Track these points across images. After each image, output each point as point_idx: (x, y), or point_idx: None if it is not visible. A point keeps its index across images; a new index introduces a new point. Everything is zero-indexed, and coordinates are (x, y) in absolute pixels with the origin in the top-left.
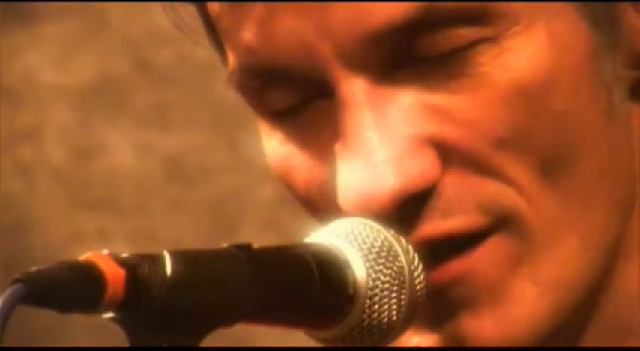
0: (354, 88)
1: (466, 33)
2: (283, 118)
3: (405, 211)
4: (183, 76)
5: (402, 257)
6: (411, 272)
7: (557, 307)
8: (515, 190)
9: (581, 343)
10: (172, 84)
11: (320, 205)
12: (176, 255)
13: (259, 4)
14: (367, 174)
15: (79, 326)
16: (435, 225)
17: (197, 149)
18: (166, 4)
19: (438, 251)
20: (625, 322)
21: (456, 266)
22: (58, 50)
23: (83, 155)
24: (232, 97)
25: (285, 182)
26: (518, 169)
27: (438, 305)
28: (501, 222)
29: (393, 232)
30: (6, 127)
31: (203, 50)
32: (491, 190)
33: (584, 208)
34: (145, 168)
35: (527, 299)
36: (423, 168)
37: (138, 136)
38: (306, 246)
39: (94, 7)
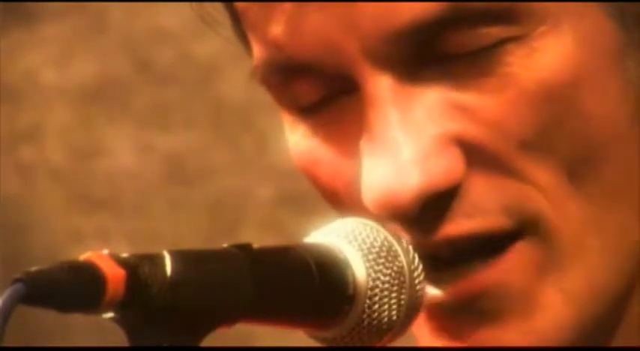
0: (380, 85)
1: (493, 31)
2: (307, 112)
3: (428, 210)
4: (183, 76)
5: (402, 257)
6: (411, 272)
7: (584, 315)
8: (540, 193)
9: (612, 344)
10: (172, 84)
11: (344, 200)
12: (176, 255)
13: (287, 0)
14: (392, 172)
15: (79, 326)
16: (458, 225)
17: (197, 149)
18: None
19: (462, 251)
20: None
21: (482, 278)
22: (58, 50)
23: (83, 155)
24: (232, 97)
25: (309, 175)
26: (543, 172)
27: (463, 316)
28: (526, 225)
29: (393, 231)
30: (6, 127)
31: (203, 50)
32: (516, 192)
33: (610, 211)
34: (145, 168)
35: (554, 309)
36: (447, 167)
37: (138, 136)
38: (306, 246)
39: (94, 7)
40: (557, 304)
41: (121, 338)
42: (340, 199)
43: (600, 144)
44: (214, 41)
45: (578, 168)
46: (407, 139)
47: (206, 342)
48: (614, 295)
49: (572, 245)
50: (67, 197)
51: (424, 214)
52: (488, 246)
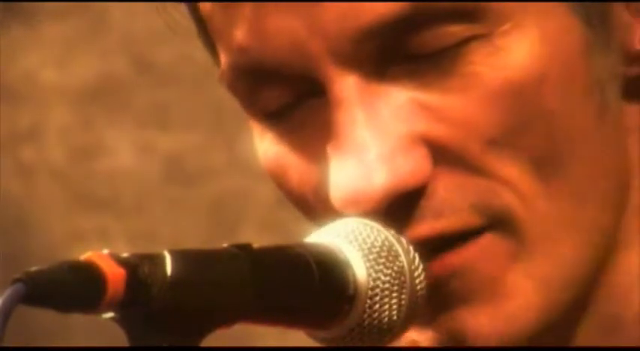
0: (346, 85)
1: (457, 30)
2: (275, 118)
3: (396, 210)
4: (183, 76)
5: (402, 257)
6: (412, 272)
7: (553, 302)
8: (508, 190)
9: (575, 335)
10: (172, 84)
11: (314, 205)
12: (176, 255)
13: (250, 3)
14: (358, 171)
15: (79, 326)
16: (427, 225)
17: (197, 149)
18: (158, 4)
19: (433, 248)
20: (617, 311)
21: (452, 260)
22: (58, 50)
23: (83, 155)
24: (232, 98)
25: (278, 183)
26: (510, 169)
27: (433, 300)
28: (495, 222)
29: (393, 232)
30: (6, 127)
31: (203, 50)
32: (484, 189)
33: (578, 206)
34: (145, 168)
35: (523, 294)
36: (414, 167)
37: (138, 136)
38: (306, 246)
39: (94, 7)
40: (527, 290)
41: (121, 338)
42: (309, 206)
43: (566, 140)
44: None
45: (545, 165)
46: (373, 139)
47: (206, 342)
48: (584, 284)
49: (541, 238)
50: (67, 197)
51: (392, 214)
52: (458, 243)
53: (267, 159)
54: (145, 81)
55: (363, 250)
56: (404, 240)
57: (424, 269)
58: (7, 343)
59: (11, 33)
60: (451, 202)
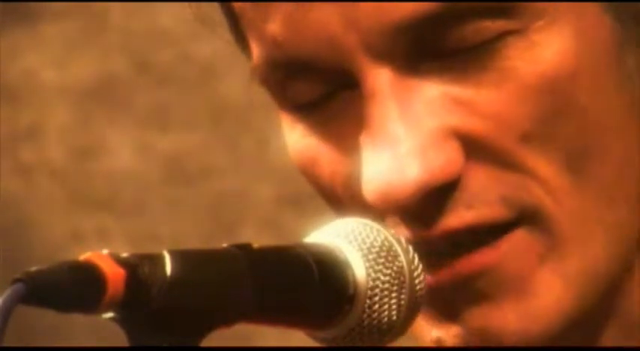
0: (380, 79)
1: (493, 25)
2: (306, 110)
3: (428, 203)
4: (183, 76)
5: (401, 257)
6: (411, 272)
7: (582, 299)
8: (539, 185)
9: (600, 336)
10: (172, 84)
11: (344, 197)
12: (176, 255)
13: None
14: (391, 165)
15: (79, 326)
16: (458, 216)
17: (197, 149)
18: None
19: (461, 245)
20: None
21: (481, 258)
22: (58, 50)
23: (83, 155)
24: (232, 97)
25: (308, 174)
26: (542, 164)
27: (460, 297)
28: (525, 216)
29: (392, 231)
30: (6, 127)
31: (203, 50)
32: (516, 183)
33: (609, 203)
34: (145, 168)
35: (553, 292)
36: (446, 160)
37: (138, 136)
38: (306, 246)
39: (94, 7)
40: (556, 287)
41: (121, 338)
42: (339, 199)
43: (598, 137)
44: (214, 41)
45: (576, 160)
46: (406, 133)
47: (206, 342)
48: (610, 284)
49: (571, 235)
50: (67, 197)
51: (424, 207)
52: (488, 238)
53: (297, 150)
54: (145, 81)
55: (362, 250)
56: (403, 240)
57: (425, 272)
58: (7, 343)
59: (11, 33)
60: (482, 195)
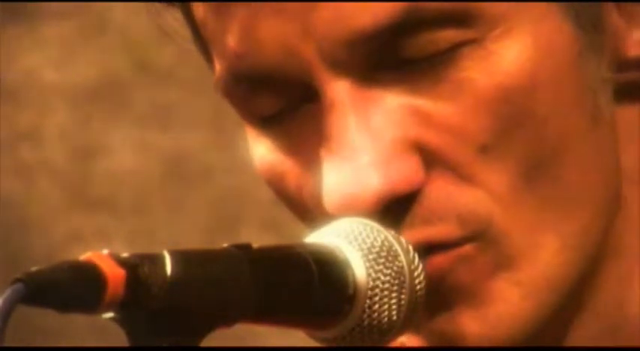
0: (338, 90)
1: (449, 35)
2: (270, 124)
3: (387, 215)
4: (183, 76)
5: (402, 257)
6: (411, 272)
7: (541, 307)
8: (492, 198)
9: (570, 343)
10: (172, 84)
11: (311, 209)
12: (176, 255)
13: (243, 9)
14: (351, 176)
15: (79, 326)
16: (415, 231)
17: (197, 149)
18: (152, 9)
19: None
20: (614, 321)
21: (435, 262)
22: (58, 50)
23: (83, 155)
24: None
25: (274, 187)
26: (499, 176)
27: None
28: (477, 234)
29: (393, 232)
30: (6, 127)
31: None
32: (471, 199)
33: (566, 212)
34: (145, 168)
35: (510, 299)
36: (407, 171)
37: (138, 136)
38: (306, 246)
39: (94, 7)
40: (513, 295)
41: (121, 338)
42: (307, 211)
43: (557, 147)
44: None
45: (534, 171)
46: (366, 144)
47: (206, 342)
48: (572, 287)
49: (524, 246)
50: (67, 197)
51: (384, 218)
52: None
53: (263, 164)
54: (145, 81)
55: (362, 250)
56: (403, 240)
57: (424, 272)
58: (7, 343)
59: (11, 33)
60: (439, 211)
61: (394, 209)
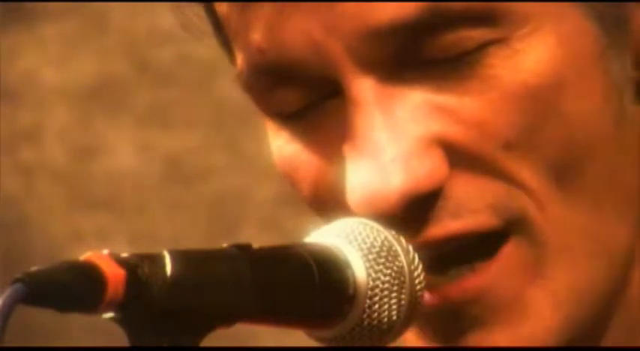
0: (363, 87)
1: (475, 34)
2: (290, 117)
3: (413, 212)
4: (183, 76)
5: (402, 257)
6: (411, 272)
7: (572, 319)
8: (524, 193)
9: (604, 338)
10: (172, 84)
11: (328, 204)
12: (176, 255)
13: (268, 4)
14: (375, 173)
15: (79, 326)
16: (444, 225)
17: (197, 149)
18: (173, 3)
19: (448, 260)
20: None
21: (472, 284)
22: (58, 50)
23: (83, 155)
24: (232, 97)
25: (291, 180)
26: (527, 172)
27: (450, 322)
28: (512, 225)
29: (393, 232)
30: (6, 127)
31: (203, 50)
32: (501, 191)
33: (595, 212)
34: (145, 168)
35: (543, 313)
36: (431, 168)
37: (138, 136)
38: (306, 246)
39: (94, 7)
40: (545, 309)
41: (121, 338)
42: (323, 205)
43: (584, 145)
44: (214, 41)
45: (562, 170)
46: (390, 141)
47: (206, 342)
48: (601, 298)
49: (558, 247)
50: (67, 197)
51: (409, 215)
52: (476, 250)
53: (282, 157)
54: (145, 81)
55: (362, 250)
56: (403, 240)
57: (424, 272)
58: (7, 343)
59: (11, 33)
60: (468, 204)
61: (419, 207)
